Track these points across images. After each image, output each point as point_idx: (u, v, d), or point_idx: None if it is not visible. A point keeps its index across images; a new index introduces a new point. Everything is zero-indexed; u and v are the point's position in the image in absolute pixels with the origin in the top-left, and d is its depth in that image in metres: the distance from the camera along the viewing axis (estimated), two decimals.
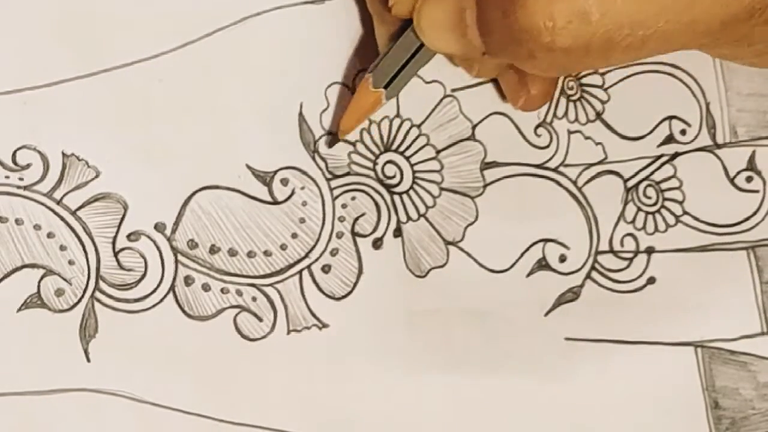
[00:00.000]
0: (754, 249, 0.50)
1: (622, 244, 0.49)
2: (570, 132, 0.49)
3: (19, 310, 0.44)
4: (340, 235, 0.47)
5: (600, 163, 0.49)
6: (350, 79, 0.46)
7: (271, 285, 0.46)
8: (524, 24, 0.38)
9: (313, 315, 0.46)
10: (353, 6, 0.46)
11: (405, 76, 0.44)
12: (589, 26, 0.38)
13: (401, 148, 0.47)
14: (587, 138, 0.49)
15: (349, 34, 0.46)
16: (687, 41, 0.39)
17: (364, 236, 0.47)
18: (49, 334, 0.44)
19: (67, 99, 0.44)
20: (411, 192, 0.47)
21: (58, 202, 0.44)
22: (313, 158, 0.46)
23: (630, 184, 0.49)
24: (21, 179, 0.44)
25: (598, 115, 0.49)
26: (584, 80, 0.49)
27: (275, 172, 0.46)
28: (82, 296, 0.44)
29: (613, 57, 0.39)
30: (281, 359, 0.46)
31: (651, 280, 0.49)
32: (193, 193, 0.45)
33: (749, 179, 0.51)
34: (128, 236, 0.45)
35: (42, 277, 0.44)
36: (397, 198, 0.47)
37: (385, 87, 0.44)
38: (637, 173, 0.50)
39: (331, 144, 0.46)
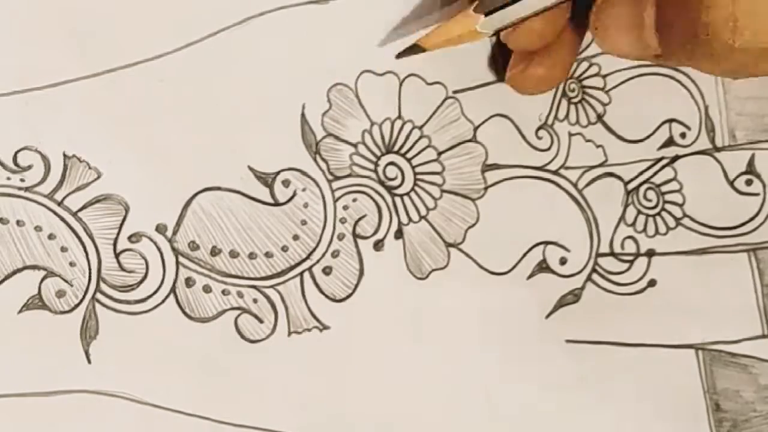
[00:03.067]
0: (755, 251, 0.50)
1: (622, 247, 0.49)
2: (571, 134, 0.49)
3: (20, 311, 0.44)
4: (341, 237, 0.47)
5: (601, 165, 0.49)
6: (353, 81, 0.46)
7: (272, 287, 0.46)
8: (706, 20, 0.38)
9: (314, 317, 0.46)
10: (357, 6, 0.46)
11: (510, 13, 0.43)
12: None
13: (403, 150, 0.47)
14: (588, 140, 0.49)
15: (352, 35, 0.46)
16: None
17: (365, 238, 0.47)
18: (49, 335, 0.44)
19: (68, 100, 0.44)
20: (412, 194, 0.47)
21: (60, 204, 0.44)
22: (315, 160, 0.46)
23: (630, 186, 0.49)
24: (22, 180, 0.44)
25: (599, 117, 0.50)
26: (585, 83, 0.49)
27: (277, 174, 0.46)
28: (83, 298, 0.44)
29: None
30: (282, 361, 0.46)
31: (652, 283, 0.49)
32: (195, 195, 0.45)
33: (749, 182, 0.51)
34: (129, 238, 0.45)
35: (43, 279, 0.44)
36: (398, 200, 0.47)
37: (486, 15, 0.43)
38: (637, 176, 0.50)
39: (401, 55, 0.46)
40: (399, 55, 0.46)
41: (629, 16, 0.42)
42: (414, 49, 0.45)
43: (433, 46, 0.45)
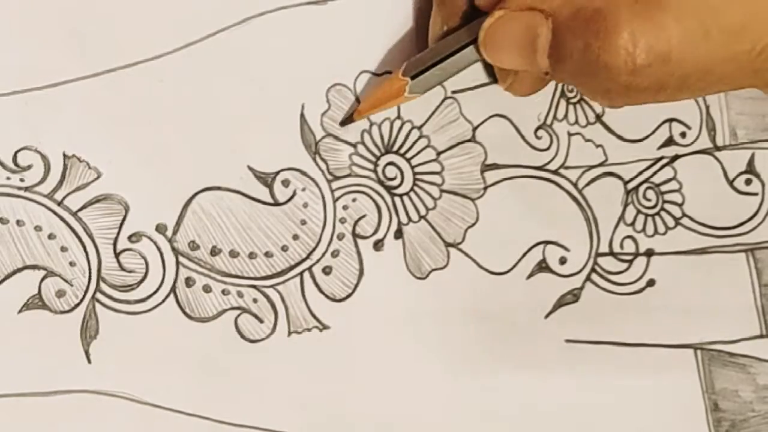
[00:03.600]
0: (753, 251, 0.50)
1: (621, 247, 0.49)
2: (570, 134, 0.49)
3: (20, 311, 0.44)
4: (341, 237, 0.47)
5: (600, 165, 0.49)
6: (352, 81, 0.46)
7: (272, 286, 0.46)
8: (606, 60, 0.39)
9: (314, 316, 0.46)
10: (356, 7, 0.46)
11: (435, 74, 0.44)
12: (667, 68, 0.39)
13: (402, 150, 0.47)
14: (587, 140, 0.49)
15: (351, 36, 0.46)
16: (753, 84, 0.41)
17: (365, 238, 0.47)
18: (50, 335, 0.44)
19: (68, 100, 0.44)
20: (412, 194, 0.47)
21: (59, 204, 0.44)
22: (315, 160, 0.46)
23: (630, 186, 0.49)
24: (22, 180, 0.44)
25: (598, 117, 0.50)
26: None
27: (276, 174, 0.46)
28: (83, 297, 0.44)
29: (682, 96, 0.41)
30: (282, 361, 0.46)
31: (650, 283, 0.49)
32: (195, 195, 0.45)
33: (748, 182, 0.51)
34: (129, 237, 0.45)
35: (43, 279, 0.44)
36: (397, 199, 0.47)
37: (413, 78, 0.44)
38: (637, 175, 0.50)
39: (343, 123, 0.46)
40: (342, 123, 0.47)
41: (521, 38, 0.42)
42: (351, 118, 0.46)
43: (366, 110, 0.46)
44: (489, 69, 0.47)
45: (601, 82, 0.40)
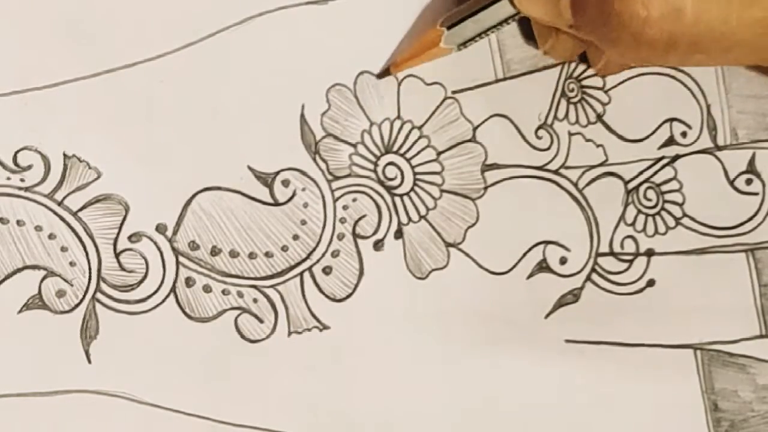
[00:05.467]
0: (753, 251, 0.50)
1: (622, 246, 0.49)
2: (571, 134, 0.49)
3: (20, 311, 0.44)
4: (341, 237, 0.47)
5: (601, 165, 0.49)
6: (352, 81, 0.46)
7: (272, 286, 0.46)
8: (619, 8, 0.39)
9: (314, 316, 0.46)
10: (356, 7, 0.46)
11: (470, 26, 0.44)
12: (680, 24, 0.39)
13: (402, 150, 0.47)
14: (588, 140, 0.49)
15: (351, 36, 0.46)
16: (764, 58, 0.41)
17: (365, 238, 0.47)
18: (50, 335, 0.44)
19: (68, 100, 0.44)
20: (412, 194, 0.47)
21: (60, 204, 0.44)
22: (315, 160, 0.46)
23: (631, 186, 0.49)
24: (22, 180, 0.44)
25: (599, 117, 0.49)
26: (585, 82, 0.49)
27: (276, 174, 0.46)
28: (83, 297, 0.44)
29: (693, 59, 0.40)
30: (282, 361, 0.46)
31: (651, 283, 0.49)
32: (195, 195, 0.45)
33: (749, 182, 0.51)
34: (129, 237, 0.45)
35: (43, 279, 0.44)
36: (398, 199, 0.47)
37: (449, 28, 0.44)
38: (637, 175, 0.50)
39: (380, 76, 0.46)
40: (378, 76, 0.46)
41: None
42: (387, 71, 0.46)
43: (403, 62, 0.46)
44: (529, 32, 0.47)
45: (614, 31, 0.40)
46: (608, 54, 0.43)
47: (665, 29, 0.39)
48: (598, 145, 0.49)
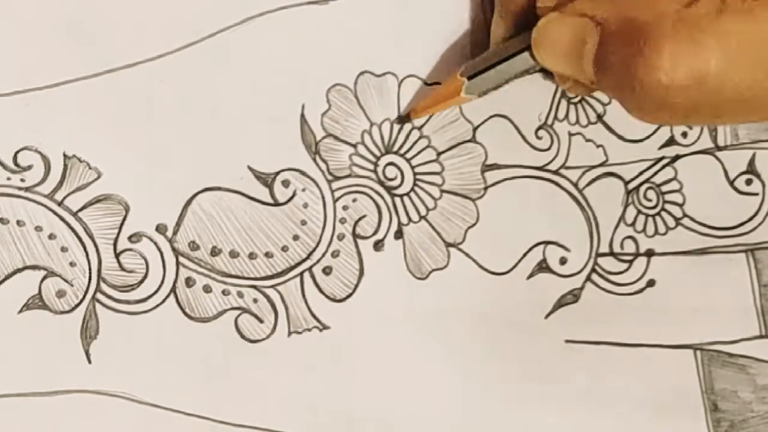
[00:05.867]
0: (753, 252, 0.50)
1: (622, 247, 0.49)
2: (571, 134, 0.49)
3: (21, 311, 0.44)
4: (341, 237, 0.47)
5: (601, 165, 0.49)
6: (352, 81, 0.46)
7: (272, 287, 0.46)
8: (643, 77, 0.39)
9: (314, 317, 0.46)
10: (357, 7, 0.46)
11: (491, 76, 0.45)
12: (703, 92, 0.38)
13: (402, 150, 0.47)
14: (588, 140, 0.49)
15: (352, 36, 0.46)
16: None
17: (365, 238, 0.47)
18: (50, 335, 0.44)
19: (68, 100, 0.44)
20: (412, 194, 0.47)
21: (60, 204, 0.44)
22: (315, 160, 0.46)
23: (631, 186, 0.49)
24: (22, 180, 0.44)
25: (599, 117, 0.49)
26: None
27: (276, 174, 0.46)
28: (84, 298, 0.44)
29: (715, 120, 0.42)
30: (282, 361, 0.46)
31: (651, 283, 0.49)
32: (195, 195, 0.45)
33: (749, 182, 0.51)
34: (129, 238, 0.45)
35: (43, 279, 0.44)
36: (398, 200, 0.47)
37: (469, 78, 0.44)
38: (638, 175, 0.50)
39: (400, 122, 0.47)
40: (398, 122, 0.47)
41: (569, 43, 0.42)
42: (407, 117, 0.47)
43: (423, 110, 0.46)
44: (550, 75, 0.47)
45: (637, 97, 0.39)
46: (630, 113, 0.43)
47: (688, 96, 0.39)
48: (598, 146, 0.49)
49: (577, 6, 0.42)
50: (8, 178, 0.44)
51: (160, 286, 0.45)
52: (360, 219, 0.47)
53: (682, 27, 0.39)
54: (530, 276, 0.48)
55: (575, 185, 0.49)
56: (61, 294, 0.44)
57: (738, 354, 0.50)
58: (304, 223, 0.46)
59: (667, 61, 0.38)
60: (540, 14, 0.43)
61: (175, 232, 0.45)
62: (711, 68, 0.38)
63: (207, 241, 0.45)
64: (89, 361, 0.44)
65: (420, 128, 0.47)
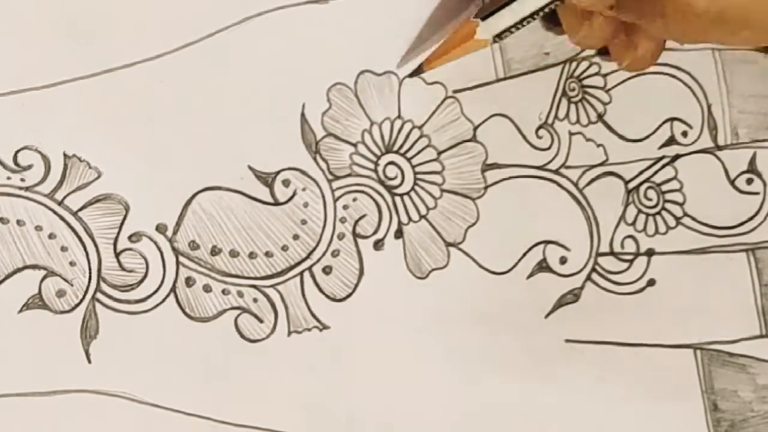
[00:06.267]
0: (753, 251, 0.50)
1: (622, 246, 0.49)
2: (571, 134, 0.49)
3: (21, 311, 0.44)
4: (341, 237, 0.47)
5: (601, 164, 0.49)
6: (352, 80, 0.46)
7: (272, 286, 0.46)
8: None
9: (314, 316, 0.46)
10: (356, 6, 0.46)
11: (507, 15, 0.44)
12: None
13: (402, 150, 0.47)
14: (588, 140, 0.49)
15: (351, 35, 0.46)
16: None
17: (366, 237, 0.47)
18: (50, 335, 0.44)
19: (68, 100, 0.44)
20: (412, 193, 0.47)
21: (60, 203, 0.44)
22: (315, 159, 0.46)
23: (631, 185, 0.49)
24: (22, 180, 0.44)
25: (600, 116, 0.49)
26: (586, 81, 0.49)
27: (277, 173, 0.46)
28: (83, 297, 0.44)
29: (740, 35, 0.39)
30: (282, 360, 0.46)
31: (651, 282, 0.49)
32: (195, 194, 0.45)
33: (749, 181, 0.51)
34: (129, 237, 0.45)
35: (43, 278, 0.44)
36: (398, 199, 0.47)
37: (483, 19, 0.44)
38: (638, 175, 0.50)
39: (413, 74, 0.46)
40: (410, 75, 0.46)
41: None
42: (419, 69, 0.46)
43: (438, 57, 0.45)
44: (556, 24, 0.47)
45: (659, 3, 0.39)
46: (652, 30, 0.42)
47: (716, 1, 0.38)
48: (598, 145, 0.49)
49: None
50: (8, 178, 0.44)
51: (160, 286, 0.45)
52: (360, 218, 0.47)
53: None
54: (530, 275, 0.48)
55: (575, 185, 0.49)
56: (61, 294, 0.44)
57: (738, 353, 0.50)
58: (304, 222, 0.46)
59: None
60: None
61: (175, 232, 0.45)
62: None
63: (207, 240, 0.45)
64: (89, 361, 0.44)
65: (420, 127, 0.47)
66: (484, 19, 0.44)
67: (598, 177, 0.49)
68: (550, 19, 0.47)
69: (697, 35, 0.40)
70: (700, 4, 0.38)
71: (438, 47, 0.46)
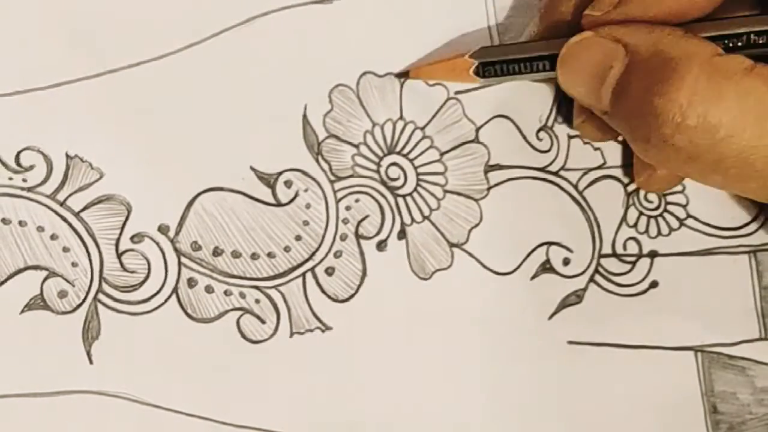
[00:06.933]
0: (755, 253, 0.50)
1: (625, 248, 0.49)
2: (570, 137, 0.49)
3: (22, 311, 0.44)
4: (343, 238, 0.47)
5: (599, 167, 0.49)
6: (355, 81, 0.46)
7: (274, 287, 0.46)
8: (658, 106, 0.39)
9: (317, 317, 0.46)
10: (360, 7, 0.46)
11: (503, 69, 0.45)
12: (709, 138, 0.39)
13: (405, 151, 0.47)
14: (586, 143, 0.49)
15: (355, 35, 0.46)
16: None
17: (368, 238, 0.47)
18: (51, 335, 0.44)
19: (71, 100, 0.44)
20: (415, 194, 0.47)
21: (62, 204, 0.44)
22: (317, 160, 0.46)
23: (630, 188, 0.50)
24: (24, 180, 0.43)
25: None
26: None
27: (279, 174, 0.46)
28: (85, 298, 0.44)
29: (711, 178, 0.41)
30: (284, 362, 0.46)
31: (654, 284, 0.49)
32: (197, 195, 0.45)
33: None
34: (132, 238, 0.45)
35: (45, 279, 0.44)
36: (401, 200, 0.47)
37: (479, 61, 0.45)
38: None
39: (399, 76, 0.47)
40: (397, 75, 0.47)
41: (595, 66, 0.42)
42: (407, 74, 0.47)
43: (423, 73, 0.46)
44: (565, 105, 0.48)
45: (646, 127, 0.40)
46: (633, 147, 0.43)
47: (694, 140, 0.39)
48: (596, 148, 0.50)
49: (613, 30, 0.42)
50: (10, 179, 0.43)
51: (162, 287, 0.45)
52: (363, 219, 0.47)
53: (708, 71, 0.39)
54: (534, 276, 0.48)
55: (575, 187, 0.49)
56: (62, 294, 0.44)
57: (738, 356, 0.50)
58: (306, 223, 0.46)
59: (684, 98, 0.39)
60: (584, 23, 0.43)
61: (177, 233, 0.45)
62: (723, 119, 0.39)
63: (209, 241, 0.45)
64: (91, 362, 0.44)
65: (423, 128, 0.47)
66: (482, 64, 0.45)
67: (597, 180, 0.49)
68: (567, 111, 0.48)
69: (671, 166, 0.42)
70: (679, 139, 0.39)
71: (429, 64, 0.46)
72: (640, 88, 0.40)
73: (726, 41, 0.42)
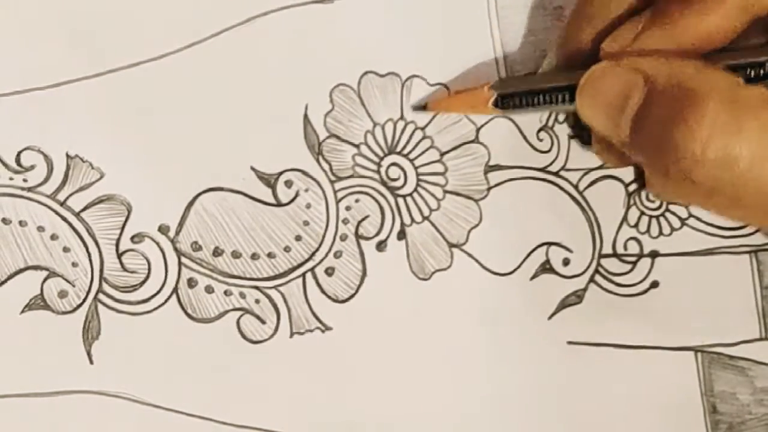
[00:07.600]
0: (756, 253, 0.50)
1: (625, 248, 0.49)
2: (570, 137, 0.49)
3: (23, 311, 0.44)
4: (343, 238, 0.46)
5: (600, 167, 0.49)
6: (356, 81, 0.46)
7: (274, 287, 0.46)
8: (678, 140, 0.38)
9: (316, 318, 0.46)
10: (361, 7, 0.46)
11: (522, 100, 0.45)
12: (729, 173, 0.38)
13: (405, 151, 0.47)
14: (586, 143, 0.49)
15: (356, 35, 0.46)
16: None
17: (368, 239, 0.47)
18: (52, 335, 0.44)
19: (71, 100, 0.44)
20: (415, 194, 0.47)
21: (62, 204, 0.44)
22: (318, 160, 0.46)
23: (631, 188, 0.49)
24: (25, 180, 0.43)
25: None
26: None
27: (279, 174, 0.46)
28: (86, 298, 0.44)
29: (734, 213, 0.40)
30: (284, 362, 0.46)
31: (654, 284, 0.49)
32: (198, 195, 0.45)
33: None
34: (132, 238, 0.45)
35: (45, 279, 0.44)
36: (401, 200, 0.47)
37: (499, 93, 0.45)
38: (637, 178, 0.50)
39: (416, 108, 0.47)
40: (414, 108, 0.47)
41: (615, 96, 0.42)
42: (425, 107, 0.47)
43: (440, 106, 0.47)
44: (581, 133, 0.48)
45: (665, 160, 0.39)
46: (651, 180, 0.43)
47: (713, 174, 0.38)
48: None
49: (632, 60, 0.42)
50: (11, 178, 0.43)
51: (162, 287, 0.45)
52: (363, 219, 0.47)
53: (729, 104, 0.38)
54: (533, 277, 0.48)
55: (575, 187, 0.49)
56: (63, 294, 0.44)
57: (738, 356, 0.50)
58: (306, 223, 0.46)
59: (705, 131, 0.38)
60: (602, 56, 0.43)
61: (177, 233, 0.45)
62: (743, 153, 0.38)
63: (209, 241, 0.45)
64: (91, 362, 0.44)
65: (423, 128, 0.47)
66: (501, 95, 0.45)
67: (597, 180, 0.49)
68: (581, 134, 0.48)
69: (691, 200, 0.42)
70: (698, 173, 0.39)
71: (449, 99, 0.46)
72: (659, 120, 0.40)
73: (747, 70, 0.41)
